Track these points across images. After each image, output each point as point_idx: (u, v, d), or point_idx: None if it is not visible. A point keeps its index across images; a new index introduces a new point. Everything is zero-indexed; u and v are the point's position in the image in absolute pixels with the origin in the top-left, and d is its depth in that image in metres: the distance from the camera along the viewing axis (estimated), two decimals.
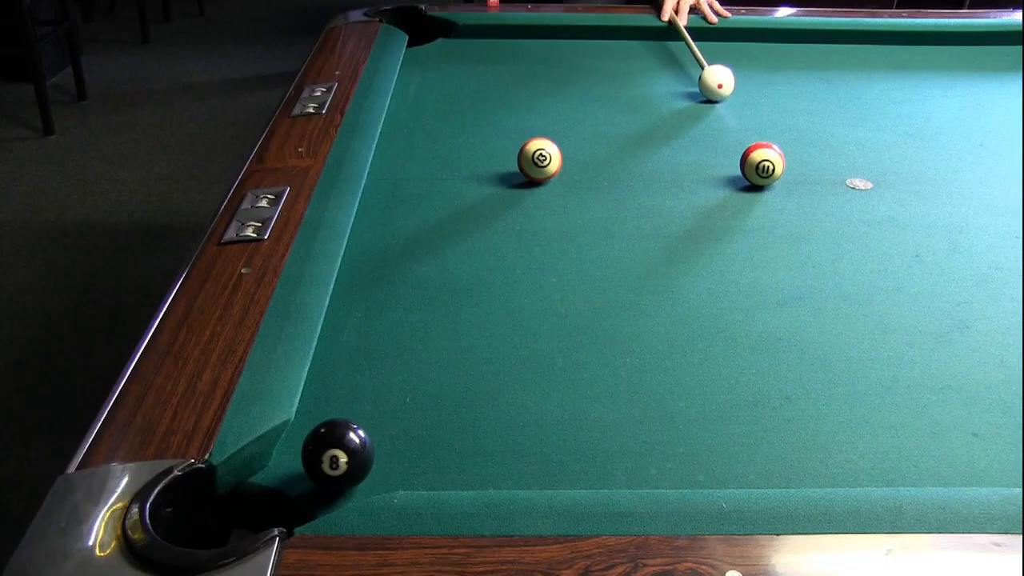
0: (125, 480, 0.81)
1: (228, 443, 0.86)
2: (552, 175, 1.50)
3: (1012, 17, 2.23)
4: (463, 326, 1.15)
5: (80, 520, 0.77)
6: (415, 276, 1.26)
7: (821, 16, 2.24)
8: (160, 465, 0.83)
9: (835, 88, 1.95)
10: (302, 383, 0.98)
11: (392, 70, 1.88)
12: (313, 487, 0.86)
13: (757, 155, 1.49)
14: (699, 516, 0.80)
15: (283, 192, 1.34)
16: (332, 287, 1.16)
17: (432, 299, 1.20)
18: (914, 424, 0.99)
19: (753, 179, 1.50)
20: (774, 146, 1.50)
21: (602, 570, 0.74)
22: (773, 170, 1.48)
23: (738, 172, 1.54)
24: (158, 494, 0.80)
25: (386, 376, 1.05)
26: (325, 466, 0.84)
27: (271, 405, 0.93)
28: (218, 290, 1.11)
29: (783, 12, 2.29)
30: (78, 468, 0.83)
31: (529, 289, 1.22)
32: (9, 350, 2.53)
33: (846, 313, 1.19)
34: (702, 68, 1.93)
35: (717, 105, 1.85)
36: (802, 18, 2.24)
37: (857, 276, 1.27)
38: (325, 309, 1.11)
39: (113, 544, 0.75)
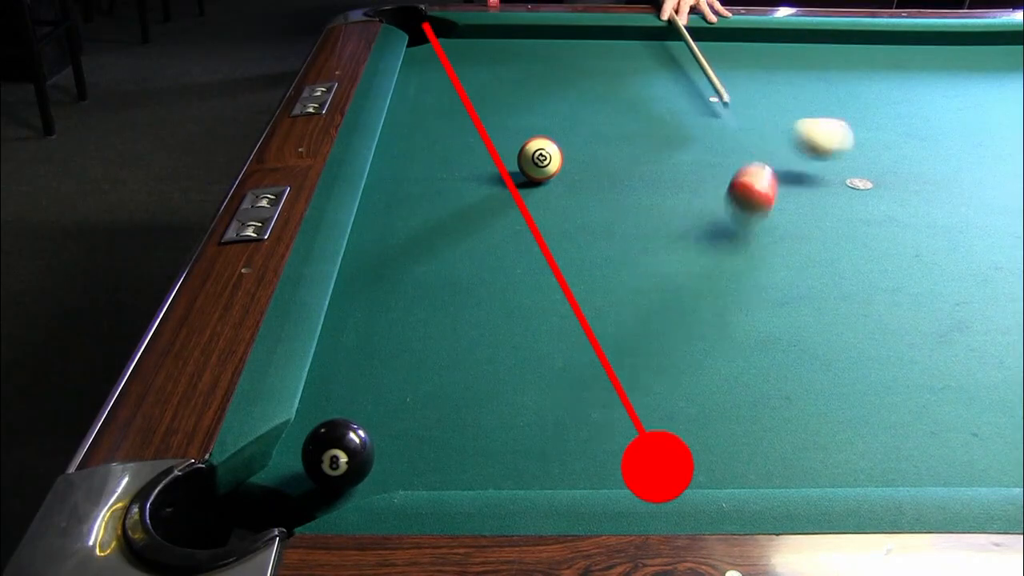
0: (125, 480, 0.81)
1: (228, 443, 0.86)
2: (552, 175, 1.50)
3: (1012, 17, 2.23)
4: (463, 326, 1.15)
5: (80, 520, 0.77)
6: (415, 276, 1.26)
7: (821, 16, 2.24)
8: (160, 465, 0.83)
9: (835, 88, 1.95)
10: (302, 383, 0.98)
11: (392, 70, 1.88)
12: (313, 487, 0.86)
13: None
14: (699, 516, 0.80)
15: (283, 192, 1.34)
16: (332, 287, 1.16)
17: (432, 299, 1.20)
18: (914, 424, 0.99)
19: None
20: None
21: (602, 570, 0.74)
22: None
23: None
24: (158, 494, 0.80)
25: (386, 376, 1.05)
26: (325, 466, 0.84)
27: (271, 405, 0.93)
28: (218, 290, 1.11)
29: (783, 12, 2.29)
30: (78, 468, 0.83)
31: (529, 289, 1.22)
32: (9, 350, 2.53)
33: (846, 313, 1.19)
34: (702, 68, 1.93)
35: (717, 105, 1.84)
36: (802, 18, 2.24)
37: (857, 276, 1.27)
38: (325, 309, 1.11)
39: (113, 544, 0.75)
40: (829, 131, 1.54)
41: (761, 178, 1.33)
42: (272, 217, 1.27)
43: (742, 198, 1.32)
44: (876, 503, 0.82)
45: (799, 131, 1.55)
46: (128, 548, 0.74)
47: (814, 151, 1.54)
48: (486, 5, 2.31)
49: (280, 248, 1.20)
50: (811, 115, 1.80)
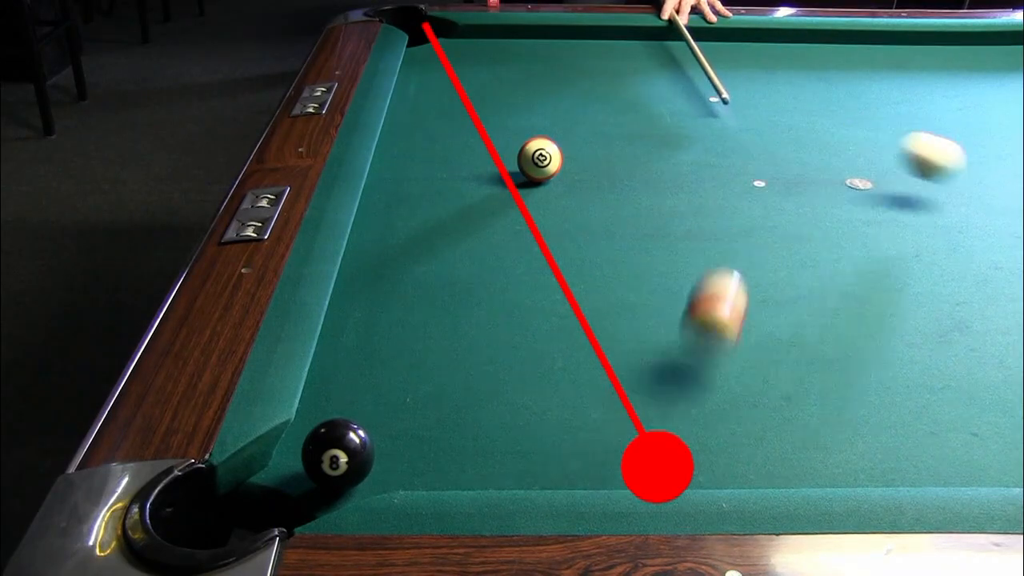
0: (125, 480, 0.81)
1: (228, 443, 0.86)
2: (552, 175, 1.50)
3: (1012, 17, 2.23)
4: (463, 326, 1.15)
5: (80, 520, 0.77)
6: (415, 276, 1.26)
7: (821, 16, 2.24)
8: (160, 465, 0.83)
9: (835, 88, 1.95)
10: (302, 383, 0.98)
11: (392, 70, 1.88)
12: (313, 487, 0.86)
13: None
14: (699, 516, 0.80)
15: (283, 192, 1.34)
16: (332, 287, 1.16)
17: (432, 299, 1.20)
18: (914, 424, 0.99)
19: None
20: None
21: (602, 570, 0.74)
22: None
23: (738, 172, 1.54)
24: (158, 494, 0.80)
25: (386, 376, 1.05)
26: (325, 466, 0.84)
27: (271, 405, 0.93)
28: (218, 290, 1.11)
29: (783, 12, 2.29)
30: (78, 468, 0.83)
31: (529, 289, 1.22)
32: (9, 350, 2.53)
33: (846, 313, 1.19)
34: (702, 68, 1.92)
35: (717, 105, 1.84)
36: (802, 18, 2.24)
37: (857, 276, 1.27)
38: (325, 309, 1.11)
39: (113, 544, 0.75)
40: (943, 148, 1.45)
41: (721, 301, 1.07)
42: (272, 217, 1.27)
43: (701, 326, 1.07)
44: (876, 503, 0.82)
45: (912, 147, 1.46)
46: (128, 548, 0.74)
47: (926, 168, 1.45)
48: (486, 5, 2.31)
49: (280, 248, 1.20)
50: (810, 115, 1.81)
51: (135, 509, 0.77)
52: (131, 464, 0.83)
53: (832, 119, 1.79)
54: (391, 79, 1.83)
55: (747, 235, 1.37)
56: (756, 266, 1.29)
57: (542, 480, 0.90)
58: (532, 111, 1.82)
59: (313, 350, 1.04)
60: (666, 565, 0.74)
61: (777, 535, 0.79)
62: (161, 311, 1.07)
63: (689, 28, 2.12)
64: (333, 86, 1.74)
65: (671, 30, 2.17)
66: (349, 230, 1.29)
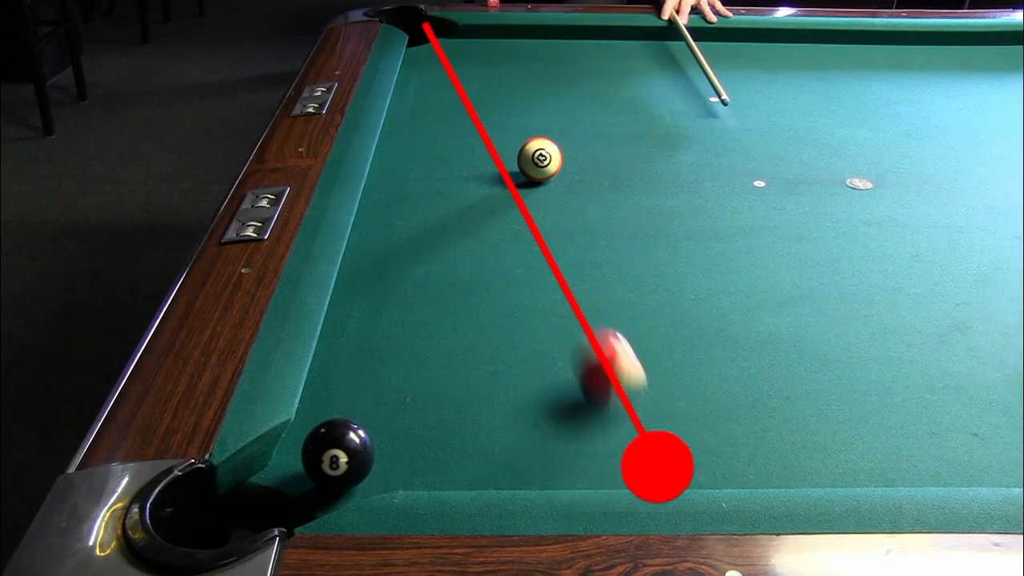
0: (125, 480, 0.81)
1: (228, 443, 0.86)
2: (552, 175, 1.50)
3: (1012, 17, 2.23)
4: (463, 326, 1.15)
5: (80, 520, 0.77)
6: (415, 276, 1.26)
7: (821, 16, 2.24)
8: (160, 465, 0.83)
9: (835, 88, 1.95)
10: (302, 383, 0.98)
11: (392, 70, 1.88)
12: (313, 487, 0.86)
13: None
14: (699, 516, 0.80)
15: (283, 192, 1.34)
16: (332, 287, 1.16)
17: (432, 299, 1.20)
18: (914, 424, 0.99)
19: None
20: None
21: (602, 570, 0.74)
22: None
23: (738, 172, 1.54)
24: (158, 494, 0.80)
25: (386, 376, 1.05)
26: (325, 466, 0.84)
27: (271, 405, 0.93)
28: (218, 290, 1.11)
29: (783, 12, 2.29)
30: (78, 468, 0.83)
31: (529, 289, 1.22)
32: (9, 350, 2.53)
33: (846, 313, 1.19)
34: (702, 68, 1.93)
35: (717, 105, 1.84)
36: (802, 18, 2.24)
37: (857, 276, 1.27)
38: (325, 309, 1.11)
39: (113, 544, 0.75)
40: None
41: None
42: (272, 217, 1.27)
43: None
44: (876, 503, 0.82)
45: None
46: (128, 548, 0.74)
47: None
48: (486, 5, 2.31)
49: (280, 248, 1.20)
50: (810, 115, 1.81)
51: (135, 509, 0.77)
52: (131, 464, 0.83)
53: (832, 119, 1.79)
54: (391, 79, 1.83)
55: (747, 235, 1.37)
56: (756, 266, 1.29)
57: (542, 480, 0.90)
58: (532, 111, 1.82)
59: (313, 350, 1.04)
60: (666, 565, 0.74)
61: (777, 535, 0.79)
62: (161, 311, 1.07)
63: (689, 28, 2.12)
64: (333, 86, 1.74)
65: (671, 30, 2.17)
66: (349, 230, 1.29)
